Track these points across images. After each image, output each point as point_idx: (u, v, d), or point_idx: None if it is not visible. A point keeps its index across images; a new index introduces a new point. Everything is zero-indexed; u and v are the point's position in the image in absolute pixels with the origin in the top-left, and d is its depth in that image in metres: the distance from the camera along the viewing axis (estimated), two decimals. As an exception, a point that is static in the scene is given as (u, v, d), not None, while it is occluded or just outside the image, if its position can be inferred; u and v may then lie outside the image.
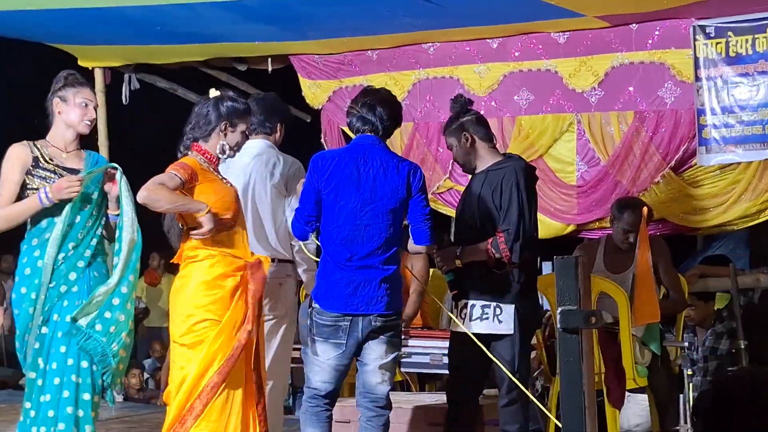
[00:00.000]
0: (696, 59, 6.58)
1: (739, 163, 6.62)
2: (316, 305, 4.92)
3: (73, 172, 4.90)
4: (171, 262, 4.96)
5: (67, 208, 4.81)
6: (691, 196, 6.81)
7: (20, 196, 4.84)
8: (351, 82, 7.92)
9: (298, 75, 8.10)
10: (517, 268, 5.18)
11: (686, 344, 6.15)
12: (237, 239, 4.83)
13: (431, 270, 7.40)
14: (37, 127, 5.04)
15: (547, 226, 7.24)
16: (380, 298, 4.87)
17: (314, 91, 8.07)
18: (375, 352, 4.90)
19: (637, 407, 6.43)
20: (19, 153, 4.90)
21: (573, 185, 7.17)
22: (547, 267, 7.29)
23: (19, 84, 7.24)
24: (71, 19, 6.92)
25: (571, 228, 7.23)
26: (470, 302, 5.21)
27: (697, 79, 6.58)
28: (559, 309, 3.26)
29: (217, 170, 4.88)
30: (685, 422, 6.02)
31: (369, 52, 7.76)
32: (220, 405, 4.71)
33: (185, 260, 4.81)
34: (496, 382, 5.39)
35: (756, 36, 6.42)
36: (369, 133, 4.96)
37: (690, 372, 5.99)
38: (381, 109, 4.94)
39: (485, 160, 5.34)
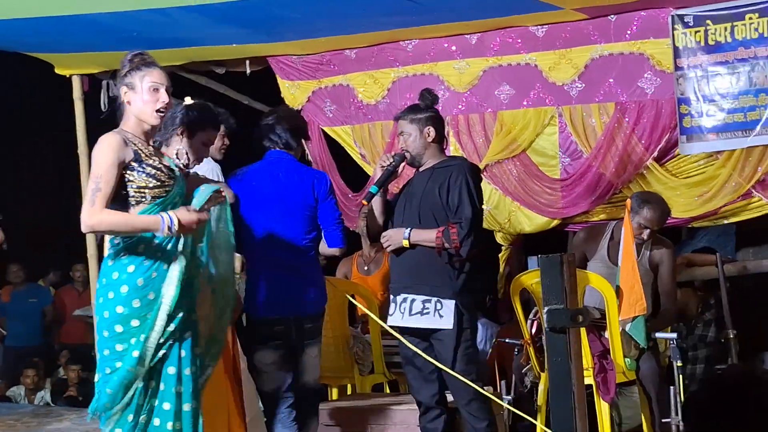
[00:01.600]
0: (675, 49, 6.55)
1: (721, 152, 6.59)
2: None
3: (170, 170, 4.46)
4: None
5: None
6: (675, 187, 6.76)
7: (118, 194, 4.35)
8: (330, 82, 7.88)
9: (277, 76, 8.05)
10: (462, 262, 5.29)
11: (674, 336, 6.11)
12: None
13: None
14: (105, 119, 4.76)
15: (533, 221, 7.24)
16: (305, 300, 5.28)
17: (293, 92, 8.02)
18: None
19: (627, 400, 6.40)
20: (117, 144, 4.35)
21: (557, 179, 7.13)
22: (532, 262, 7.23)
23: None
24: (46, 28, 6.85)
25: (556, 222, 7.20)
26: (410, 296, 5.29)
27: (677, 68, 6.55)
28: (546, 308, 3.23)
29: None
30: (676, 414, 6.00)
31: (347, 51, 7.72)
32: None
33: None
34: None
35: (734, 24, 6.39)
36: (276, 149, 5.49)
37: (680, 363, 5.98)
38: (279, 125, 5.50)
39: (433, 158, 5.51)
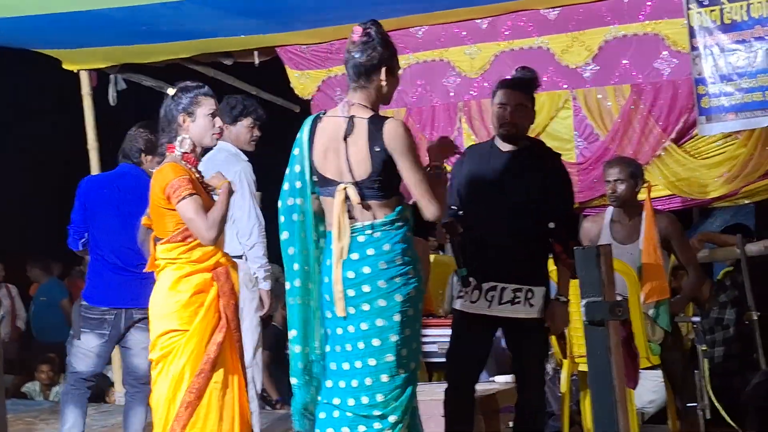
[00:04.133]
0: (690, 28, 6.45)
1: (741, 132, 6.53)
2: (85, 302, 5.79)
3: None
4: (145, 270, 4.86)
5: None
6: (694, 168, 6.72)
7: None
8: (340, 71, 7.78)
9: (286, 66, 7.99)
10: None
11: (698, 319, 6.06)
12: (206, 248, 4.69)
13: (432, 256, 7.33)
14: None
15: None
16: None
17: (303, 82, 7.96)
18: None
19: (650, 384, 6.33)
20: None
21: (573, 162, 7.06)
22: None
23: (4, 91, 7.15)
24: (54, 24, 6.81)
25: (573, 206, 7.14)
26: (500, 285, 5.02)
27: (693, 48, 6.47)
28: (583, 301, 3.17)
29: (197, 168, 4.77)
30: (702, 399, 5.96)
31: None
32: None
33: (156, 270, 4.74)
34: (512, 369, 5.31)
35: (750, 1, 6.31)
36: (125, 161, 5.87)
37: (704, 347, 5.92)
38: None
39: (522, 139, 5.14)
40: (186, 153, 4.70)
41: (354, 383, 4.25)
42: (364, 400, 4.24)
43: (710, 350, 7.67)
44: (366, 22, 4.36)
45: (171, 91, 4.76)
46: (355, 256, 4.22)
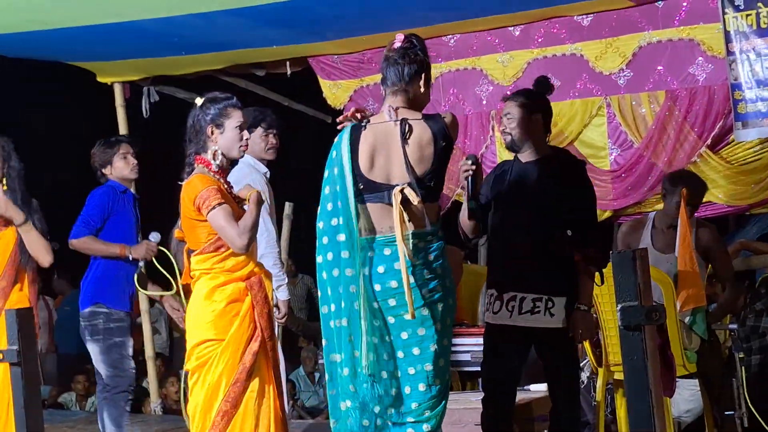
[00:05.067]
0: (726, 33, 6.40)
1: (777, 137, 6.48)
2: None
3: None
4: (181, 282, 4.88)
5: None
6: (730, 175, 6.66)
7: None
8: (372, 80, 7.79)
9: (318, 77, 7.99)
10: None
11: (735, 327, 6.00)
12: (239, 257, 4.70)
13: (464, 265, 7.30)
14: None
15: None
16: None
17: (335, 92, 7.97)
18: None
19: (687, 392, 6.28)
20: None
21: (607, 170, 7.03)
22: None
23: (38, 104, 7.17)
24: (88, 36, 6.84)
25: (607, 214, 7.10)
26: (519, 295, 5.01)
27: (729, 53, 6.41)
28: (619, 306, 3.13)
29: (226, 180, 4.77)
30: (739, 407, 5.88)
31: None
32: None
33: (192, 282, 4.74)
34: (544, 378, 5.26)
35: (786, 5, 6.27)
36: None
37: (742, 355, 5.85)
38: None
39: (538, 148, 5.11)
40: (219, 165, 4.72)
41: (393, 391, 4.25)
42: (401, 407, 4.24)
43: (747, 358, 7.59)
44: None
45: (199, 101, 4.77)
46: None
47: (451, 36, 7.43)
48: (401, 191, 4.23)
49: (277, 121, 6.09)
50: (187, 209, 4.64)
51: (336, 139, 4.36)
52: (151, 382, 8.12)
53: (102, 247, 5.89)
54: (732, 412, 5.99)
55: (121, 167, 6.01)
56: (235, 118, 4.71)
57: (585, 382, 6.38)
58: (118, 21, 6.53)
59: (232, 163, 4.94)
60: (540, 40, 7.18)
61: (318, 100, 8.17)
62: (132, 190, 6.18)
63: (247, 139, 4.76)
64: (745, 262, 7.44)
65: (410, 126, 4.28)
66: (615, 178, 7.01)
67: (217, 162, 4.70)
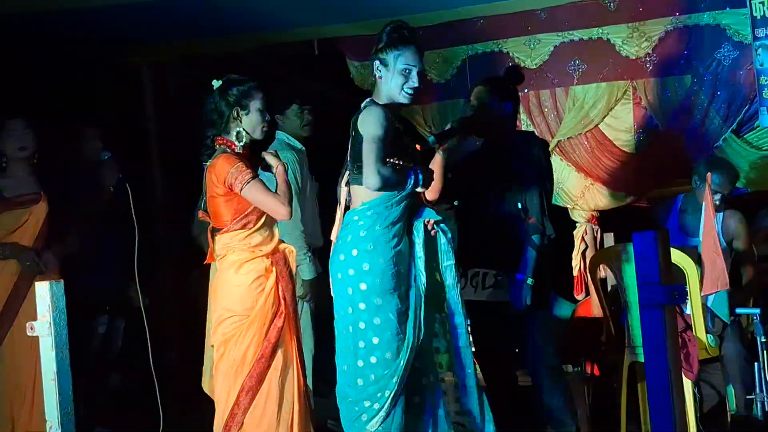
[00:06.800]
0: (753, 19, 6.40)
1: (803, 122, 6.46)
2: None
3: (409, 158, 4.55)
4: (204, 263, 4.93)
5: None
6: (755, 159, 6.65)
7: None
8: (399, 61, 7.80)
9: (346, 57, 8.01)
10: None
11: (758, 311, 6.00)
12: (264, 233, 4.77)
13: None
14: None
15: (608, 197, 7.16)
16: None
17: (363, 72, 7.98)
18: None
19: (710, 377, 6.31)
20: (387, 115, 4.43)
21: (632, 153, 7.03)
22: (609, 238, 7.17)
23: (65, 86, 7.21)
24: (117, 18, 6.85)
25: (632, 197, 7.11)
26: (482, 270, 5.20)
27: (756, 38, 6.40)
28: (640, 285, 3.16)
29: (249, 159, 4.82)
30: (761, 390, 5.90)
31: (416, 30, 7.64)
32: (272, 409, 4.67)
33: (217, 260, 4.80)
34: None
35: (814, -9, 6.25)
36: None
37: (764, 339, 5.86)
38: None
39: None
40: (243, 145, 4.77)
41: None
42: None
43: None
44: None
45: (216, 84, 4.81)
46: None
47: (478, 19, 7.40)
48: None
49: (312, 97, 6.14)
50: (215, 188, 4.70)
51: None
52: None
53: None
54: (753, 396, 6.00)
55: None
56: (258, 99, 4.79)
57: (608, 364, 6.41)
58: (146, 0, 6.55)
59: (259, 142, 4.99)
60: (567, 23, 7.17)
61: (346, 81, 8.17)
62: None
63: (268, 120, 4.83)
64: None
65: None
66: (640, 161, 7.00)
67: (242, 143, 4.76)
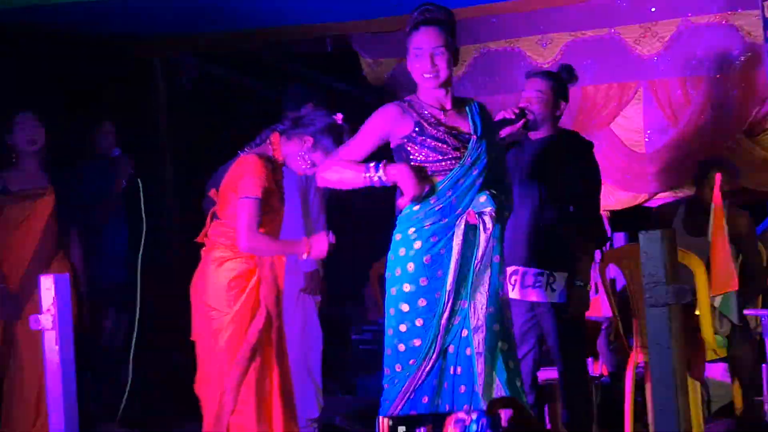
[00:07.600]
0: (765, 20, 6.39)
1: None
2: None
3: (461, 135, 4.23)
4: (196, 240, 4.89)
5: None
6: (767, 161, 6.64)
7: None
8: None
9: (359, 54, 8.01)
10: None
11: (766, 312, 5.99)
12: None
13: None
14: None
15: (619, 197, 7.14)
16: None
17: (375, 69, 7.97)
18: None
19: (716, 377, 6.30)
20: (390, 112, 4.29)
21: (643, 153, 7.02)
22: (619, 239, 7.16)
23: (77, 79, 7.21)
24: (127, 9, 6.86)
25: (642, 197, 7.10)
26: (521, 269, 5.16)
27: (767, 40, 6.40)
28: (646, 285, 3.16)
29: (281, 169, 4.81)
30: (768, 392, 5.89)
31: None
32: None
33: (205, 247, 4.79)
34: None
35: (826, -8, 6.23)
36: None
37: (772, 340, 5.85)
38: None
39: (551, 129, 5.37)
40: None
41: None
42: None
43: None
44: None
45: (340, 119, 4.78)
46: None
47: (490, 16, 7.39)
48: None
49: (327, 100, 6.13)
50: (231, 181, 4.70)
51: None
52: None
53: None
54: (761, 398, 5.99)
55: None
56: (325, 149, 4.69)
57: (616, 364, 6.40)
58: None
59: None
60: (579, 22, 7.16)
61: (358, 78, 8.17)
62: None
63: (310, 165, 4.73)
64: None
65: None
66: (650, 162, 6.99)
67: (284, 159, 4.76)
